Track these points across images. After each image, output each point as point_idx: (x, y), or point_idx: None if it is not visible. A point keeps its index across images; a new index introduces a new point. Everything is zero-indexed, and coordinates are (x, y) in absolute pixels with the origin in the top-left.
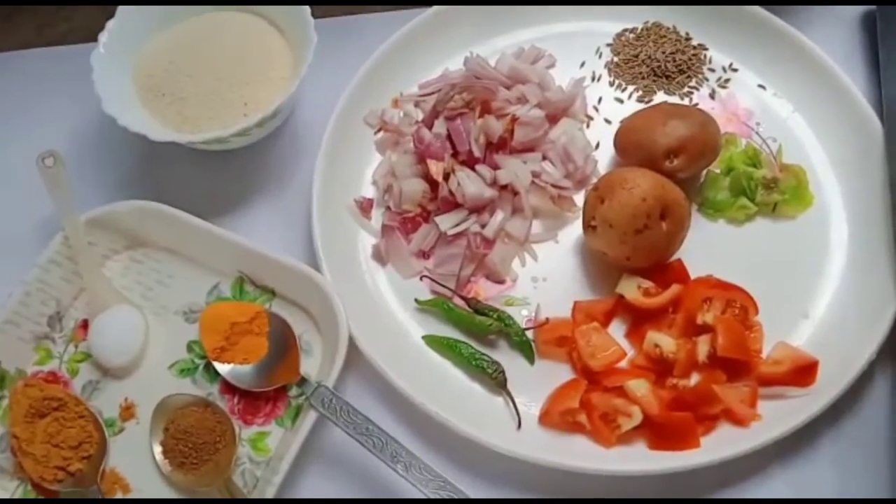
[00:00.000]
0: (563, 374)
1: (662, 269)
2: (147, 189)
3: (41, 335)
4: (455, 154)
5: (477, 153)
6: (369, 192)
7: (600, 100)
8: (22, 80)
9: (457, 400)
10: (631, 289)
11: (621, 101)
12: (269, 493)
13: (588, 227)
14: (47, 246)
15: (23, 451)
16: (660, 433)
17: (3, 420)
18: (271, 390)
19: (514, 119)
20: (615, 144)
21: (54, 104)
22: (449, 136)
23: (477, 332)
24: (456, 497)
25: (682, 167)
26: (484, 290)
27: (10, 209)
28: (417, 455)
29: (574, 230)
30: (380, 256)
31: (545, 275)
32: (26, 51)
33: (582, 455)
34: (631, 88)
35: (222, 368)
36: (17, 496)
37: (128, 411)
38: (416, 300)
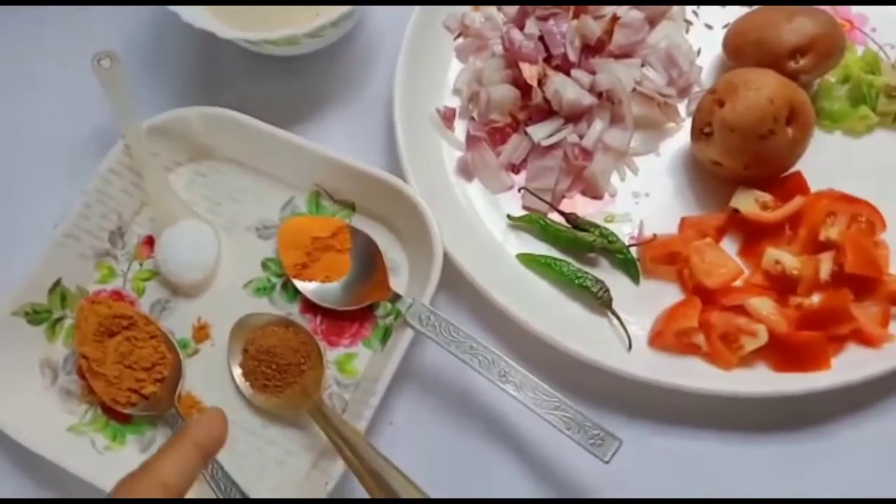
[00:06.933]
0: (669, 293)
1: (780, 182)
2: (208, 97)
3: (102, 251)
4: (548, 58)
5: (572, 57)
6: (451, 101)
7: (699, 3)
8: None
9: (559, 320)
10: (747, 202)
11: (723, 5)
12: (367, 416)
13: (701, 134)
14: (106, 155)
15: (93, 371)
16: (787, 354)
17: (66, 341)
18: (357, 310)
19: (616, 18)
20: (725, 46)
21: (105, 5)
22: (541, 38)
23: (576, 250)
24: (570, 416)
25: (809, 68)
26: (581, 205)
27: (66, 116)
28: (528, 374)
29: (675, 143)
30: (466, 170)
31: (647, 190)
32: None
33: (700, 376)
34: None
35: (305, 287)
36: (87, 420)
37: (202, 332)
38: (508, 216)
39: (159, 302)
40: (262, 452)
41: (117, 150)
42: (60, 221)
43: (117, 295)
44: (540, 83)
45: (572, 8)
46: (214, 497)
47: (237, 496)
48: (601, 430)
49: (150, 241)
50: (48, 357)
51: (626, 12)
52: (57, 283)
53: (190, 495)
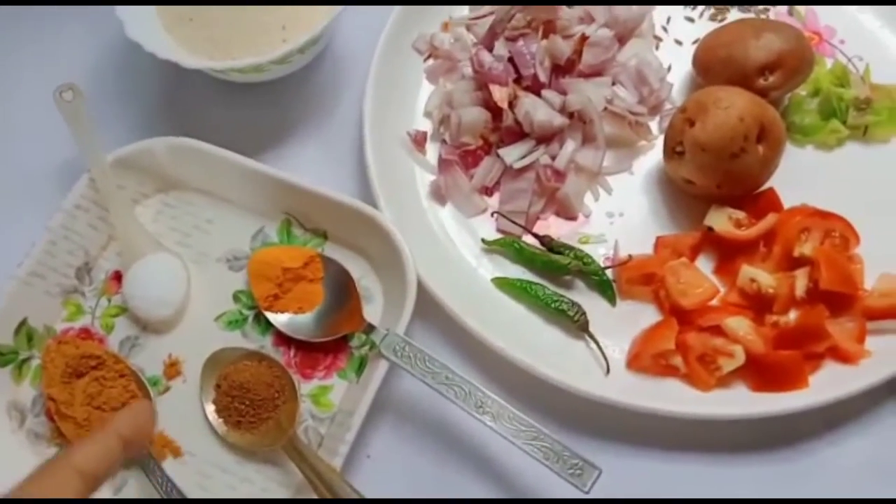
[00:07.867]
0: (646, 314)
1: (753, 199)
2: (174, 126)
3: (69, 288)
4: (518, 79)
5: (542, 77)
6: (422, 124)
7: (669, 20)
8: (36, 10)
9: (535, 346)
10: (721, 220)
11: (692, 21)
12: (343, 451)
13: (673, 153)
14: (71, 190)
15: (61, 414)
16: (764, 374)
17: (34, 382)
18: (330, 341)
19: (584, 38)
20: (695, 63)
21: (69, 35)
22: (511, 59)
23: (551, 273)
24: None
25: (778, 84)
26: (555, 227)
27: (29, 150)
28: (505, 404)
29: (648, 161)
30: (439, 194)
31: (621, 209)
32: None
33: (679, 399)
34: (702, 7)
35: (277, 319)
36: None
37: (173, 368)
38: (482, 240)
39: (129, 339)
40: (237, 490)
41: (82, 184)
42: (25, 259)
43: (85, 333)
44: (510, 105)
45: (541, 28)
46: None
47: None
48: (580, 459)
49: (118, 277)
50: (15, 399)
51: (595, 31)
52: (23, 323)
53: None
